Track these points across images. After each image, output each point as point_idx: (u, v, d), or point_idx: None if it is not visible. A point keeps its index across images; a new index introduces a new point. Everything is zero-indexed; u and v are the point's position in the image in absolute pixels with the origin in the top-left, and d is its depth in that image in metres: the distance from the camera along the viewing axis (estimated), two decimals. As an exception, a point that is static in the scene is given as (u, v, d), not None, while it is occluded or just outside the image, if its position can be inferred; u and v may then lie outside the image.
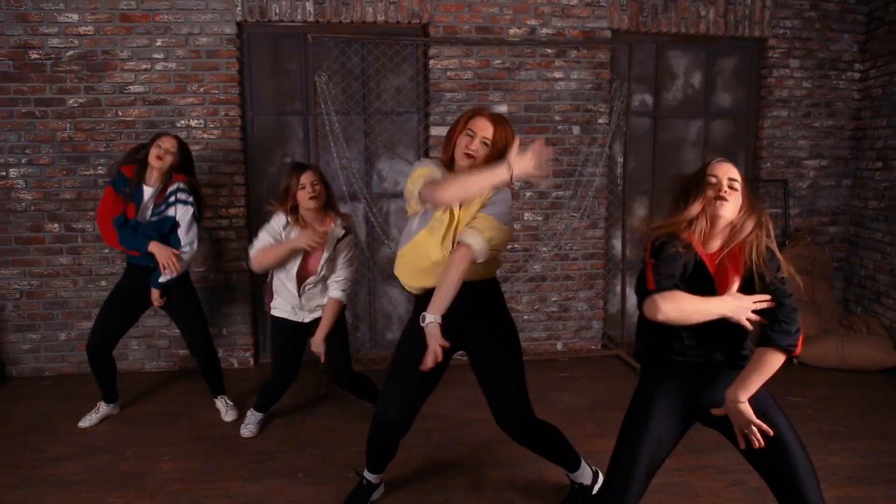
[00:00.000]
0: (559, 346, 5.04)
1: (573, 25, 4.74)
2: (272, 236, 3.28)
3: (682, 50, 5.11)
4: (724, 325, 2.04)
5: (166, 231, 3.53)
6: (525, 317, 4.94)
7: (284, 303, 3.44)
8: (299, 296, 3.36)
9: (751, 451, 2.07)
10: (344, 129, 4.50)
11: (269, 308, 3.50)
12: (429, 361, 2.33)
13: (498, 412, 2.62)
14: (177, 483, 3.14)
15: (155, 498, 2.99)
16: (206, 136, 4.49)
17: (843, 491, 3.02)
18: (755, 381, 1.99)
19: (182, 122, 4.46)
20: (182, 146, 3.60)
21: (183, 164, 3.60)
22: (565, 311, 5.01)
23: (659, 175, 5.21)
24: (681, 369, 2.15)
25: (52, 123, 4.38)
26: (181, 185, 3.55)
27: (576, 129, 4.83)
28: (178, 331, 4.01)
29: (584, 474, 2.86)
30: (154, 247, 3.46)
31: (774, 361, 1.99)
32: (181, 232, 3.54)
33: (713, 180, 2.08)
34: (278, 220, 3.30)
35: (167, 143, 3.52)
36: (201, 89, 4.46)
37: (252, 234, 3.58)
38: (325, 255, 3.32)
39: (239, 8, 4.42)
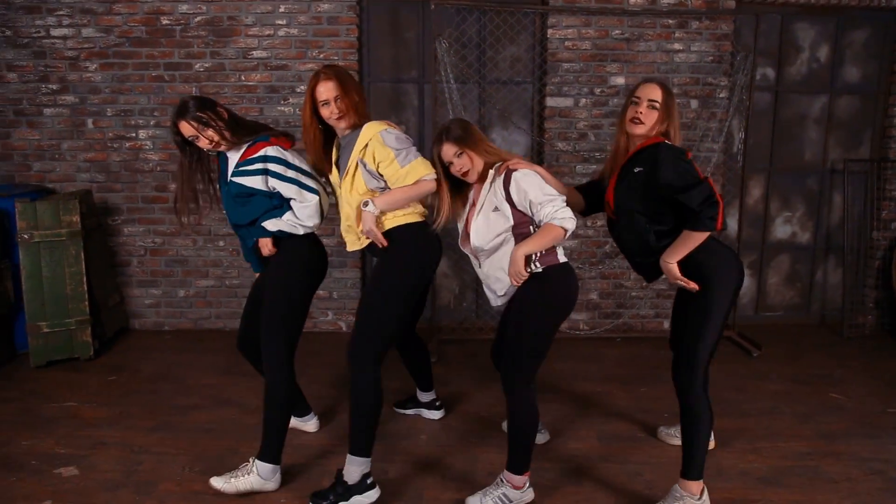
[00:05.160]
0: (666, 325, 4.91)
1: (697, -6, 4.55)
2: None
3: (810, 21, 4.85)
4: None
5: None
6: (633, 293, 4.85)
7: None
8: None
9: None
10: (460, 98, 4.45)
11: None
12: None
13: None
14: (307, 437, 3.24)
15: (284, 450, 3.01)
16: (324, 102, 4.51)
17: None
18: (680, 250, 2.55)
19: (302, 87, 4.50)
20: None
21: None
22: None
23: (778, 153, 5.00)
24: None
25: (179, 87, 4.51)
26: None
27: (694, 103, 4.66)
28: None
29: None
30: None
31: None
32: None
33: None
34: None
35: None
36: (321, 55, 4.49)
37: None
38: None
39: (360, -25, 4.43)
